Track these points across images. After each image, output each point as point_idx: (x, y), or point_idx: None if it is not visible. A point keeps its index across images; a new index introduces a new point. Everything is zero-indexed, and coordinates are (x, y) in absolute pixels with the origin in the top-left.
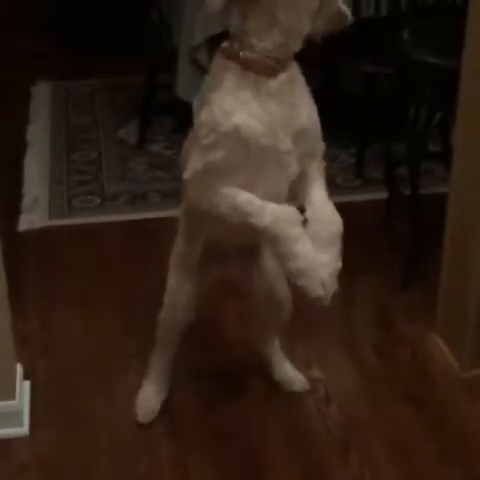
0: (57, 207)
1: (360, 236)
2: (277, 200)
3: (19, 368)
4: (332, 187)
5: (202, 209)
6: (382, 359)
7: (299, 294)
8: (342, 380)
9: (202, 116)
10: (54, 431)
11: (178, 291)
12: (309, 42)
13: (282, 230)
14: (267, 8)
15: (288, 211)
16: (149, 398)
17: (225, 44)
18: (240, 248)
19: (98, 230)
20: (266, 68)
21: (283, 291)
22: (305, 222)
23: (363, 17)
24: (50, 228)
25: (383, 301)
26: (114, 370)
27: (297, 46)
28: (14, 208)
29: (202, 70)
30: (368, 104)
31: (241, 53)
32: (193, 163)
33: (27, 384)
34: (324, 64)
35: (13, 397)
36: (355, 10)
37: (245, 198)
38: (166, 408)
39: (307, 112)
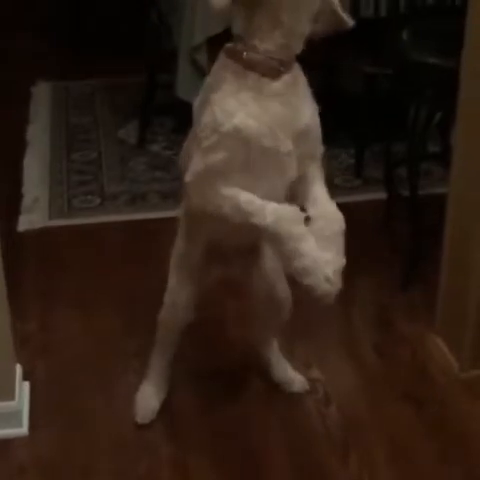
0: (57, 207)
1: (360, 236)
2: (276, 201)
3: (18, 369)
4: (331, 187)
5: (204, 211)
6: (382, 359)
7: (299, 294)
8: (342, 380)
9: (203, 118)
10: (53, 431)
11: (178, 291)
12: (309, 43)
13: (284, 229)
14: (271, 10)
15: (290, 210)
16: (148, 399)
17: (229, 45)
18: (240, 248)
19: (98, 230)
20: (270, 69)
21: (283, 291)
22: (307, 220)
23: (362, 17)
24: (50, 228)
25: (383, 301)
26: (114, 370)
27: (299, 47)
28: (14, 208)
29: (202, 70)
30: (368, 104)
31: (244, 53)
32: (195, 165)
33: (26, 385)
34: (324, 65)
35: (12, 398)
36: (354, 10)
37: (246, 198)
38: (166, 408)
39: (309, 113)
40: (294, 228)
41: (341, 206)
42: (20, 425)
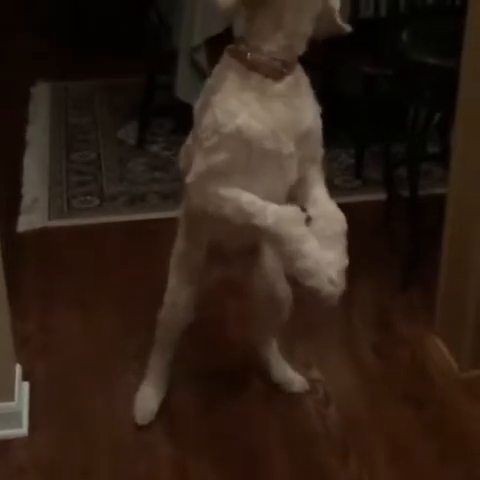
0: (56, 208)
1: (359, 237)
2: (276, 203)
3: (18, 369)
4: (331, 188)
5: (205, 211)
6: (381, 360)
7: (300, 295)
8: (341, 381)
9: (205, 119)
10: (53, 432)
11: (178, 291)
12: (309, 44)
13: (285, 230)
14: (273, 11)
15: (291, 210)
16: (147, 400)
17: (232, 46)
18: (240, 248)
19: (97, 231)
20: (273, 70)
21: (283, 291)
22: (308, 221)
23: (362, 18)
24: (49, 229)
25: (382, 302)
26: (114, 370)
27: (301, 49)
28: (13, 209)
29: (201, 71)
30: (367, 105)
31: (248, 54)
32: (196, 166)
33: (26, 385)
34: (324, 65)
35: (12, 398)
36: (354, 11)
37: (248, 199)
38: (166, 408)
39: (312, 115)
40: (295, 229)
41: (341, 207)
42: (20, 426)
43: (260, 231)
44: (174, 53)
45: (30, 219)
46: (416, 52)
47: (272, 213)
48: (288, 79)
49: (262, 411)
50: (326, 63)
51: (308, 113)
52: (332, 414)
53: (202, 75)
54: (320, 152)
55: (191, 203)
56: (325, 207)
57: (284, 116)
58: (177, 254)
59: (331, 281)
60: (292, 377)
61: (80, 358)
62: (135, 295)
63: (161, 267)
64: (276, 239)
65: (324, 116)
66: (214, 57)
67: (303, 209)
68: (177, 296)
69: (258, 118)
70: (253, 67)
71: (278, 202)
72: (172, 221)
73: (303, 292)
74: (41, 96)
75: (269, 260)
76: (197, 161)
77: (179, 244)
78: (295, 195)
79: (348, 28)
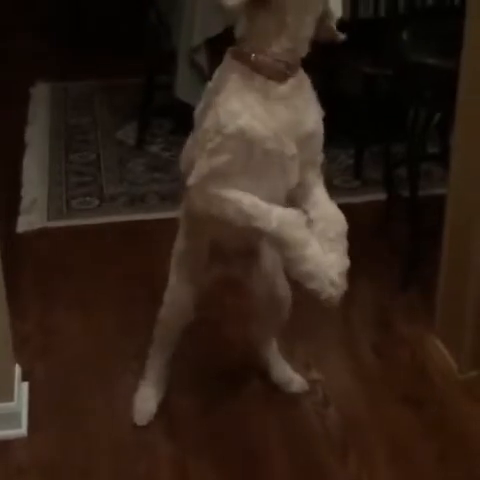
0: (56, 208)
1: (359, 237)
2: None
3: (17, 369)
4: (331, 188)
5: (207, 214)
6: (381, 360)
7: (300, 295)
8: (341, 381)
9: (207, 121)
10: (53, 432)
11: (178, 290)
12: (310, 45)
13: (289, 234)
14: (276, 12)
15: (295, 214)
16: (146, 401)
17: (235, 47)
18: (240, 248)
19: (97, 231)
20: (277, 72)
21: (283, 290)
22: (309, 222)
23: (362, 18)
24: (49, 229)
25: (382, 302)
26: (113, 371)
27: (304, 51)
28: (13, 209)
29: (201, 72)
30: (367, 105)
31: (252, 55)
32: (199, 168)
33: (25, 385)
34: (323, 66)
35: (11, 399)
36: (354, 11)
37: (250, 201)
38: (165, 408)
39: (315, 119)
40: (299, 233)
41: (340, 207)
42: (19, 426)
43: (262, 234)
44: (174, 53)
45: (29, 220)
46: (416, 52)
47: (276, 217)
48: (291, 81)
49: (262, 411)
50: (326, 63)
51: (311, 115)
52: (332, 414)
53: (202, 75)
54: (320, 157)
55: (193, 205)
56: (326, 209)
57: (287, 118)
58: (177, 253)
59: (332, 283)
60: (292, 377)
61: (80, 358)
62: (135, 295)
63: (161, 267)
64: (279, 242)
65: (324, 116)
66: (214, 57)
67: (303, 211)
68: (177, 295)
69: (261, 119)
70: (257, 69)
71: (278, 204)
72: (172, 221)
73: (304, 294)
74: (40, 97)
75: (269, 259)
76: (199, 163)
77: (179, 244)
78: (294, 198)
79: (342, 36)
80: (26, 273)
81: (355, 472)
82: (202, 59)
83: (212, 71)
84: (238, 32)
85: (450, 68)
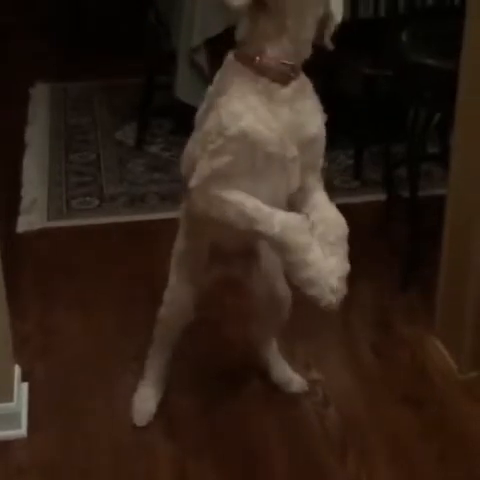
0: (55, 208)
1: (358, 238)
2: (277, 208)
3: (17, 370)
4: (330, 189)
5: (209, 216)
6: (381, 361)
7: (300, 296)
8: (341, 382)
9: (209, 122)
10: (53, 433)
11: (178, 289)
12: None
13: (292, 238)
14: (275, 15)
15: (297, 219)
16: (145, 401)
17: (238, 50)
18: (240, 248)
19: (96, 231)
20: (281, 75)
21: (283, 290)
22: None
23: (362, 18)
24: (48, 229)
25: (382, 303)
26: (113, 371)
27: (307, 53)
28: (12, 209)
29: (201, 72)
30: (367, 106)
31: (257, 58)
32: (200, 170)
33: (25, 386)
34: (323, 66)
35: (11, 399)
36: (353, 11)
37: (253, 204)
38: (165, 408)
39: (318, 122)
40: (301, 238)
41: (340, 207)
42: (19, 426)
43: (264, 237)
44: (174, 53)
45: (29, 220)
46: (416, 53)
47: (279, 221)
48: (294, 84)
49: (261, 411)
50: (326, 64)
51: (313, 118)
52: (331, 414)
53: (202, 76)
54: (321, 161)
55: (195, 208)
56: (326, 212)
57: (289, 120)
58: (177, 254)
59: (332, 290)
60: (291, 377)
61: (80, 358)
62: (135, 295)
63: (161, 267)
64: (281, 247)
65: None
66: (214, 58)
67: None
68: (177, 295)
69: (264, 122)
70: (261, 71)
71: (279, 207)
72: (171, 221)
73: (303, 297)
74: (40, 97)
75: (269, 260)
76: (201, 165)
77: (179, 243)
78: (294, 201)
79: (330, 46)
80: (26, 273)
81: (355, 472)
82: (202, 59)
83: (212, 71)
84: (239, 35)
85: (450, 68)
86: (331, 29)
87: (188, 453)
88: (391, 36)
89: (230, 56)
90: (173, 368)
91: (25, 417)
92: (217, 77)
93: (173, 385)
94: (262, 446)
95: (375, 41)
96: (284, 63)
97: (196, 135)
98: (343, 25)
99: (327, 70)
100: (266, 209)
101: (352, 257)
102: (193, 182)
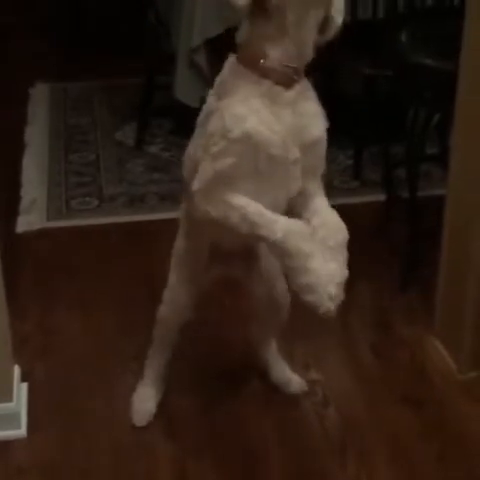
0: (55, 208)
1: (358, 239)
2: (277, 212)
3: (17, 370)
4: (329, 189)
5: (211, 219)
6: (380, 361)
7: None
8: (340, 382)
9: (212, 124)
10: (52, 433)
11: (178, 289)
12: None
13: (294, 244)
14: (276, 18)
15: (300, 225)
16: (145, 401)
17: (242, 52)
18: (240, 249)
19: (96, 232)
20: (286, 78)
21: (282, 291)
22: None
23: (361, 19)
24: (48, 229)
25: (381, 303)
26: (113, 371)
27: (309, 56)
28: (12, 209)
29: (200, 72)
30: (367, 106)
31: (261, 61)
32: (203, 172)
33: (25, 386)
34: (323, 67)
35: (10, 399)
36: (353, 12)
37: (256, 209)
38: (165, 408)
39: (320, 125)
40: (304, 244)
41: (338, 208)
42: (18, 427)
43: (265, 242)
44: (173, 54)
45: (29, 220)
46: (415, 53)
47: (281, 227)
48: (297, 87)
49: (261, 411)
50: (326, 64)
51: (316, 121)
52: (331, 415)
53: (201, 76)
54: (322, 166)
55: (197, 211)
56: (328, 217)
57: (292, 123)
58: (177, 253)
59: (330, 298)
60: (291, 378)
61: (80, 358)
62: (134, 296)
63: (161, 268)
64: (283, 252)
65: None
66: (213, 58)
67: (305, 220)
68: (176, 294)
69: (267, 124)
70: (265, 74)
71: (279, 211)
72: (171, 222)
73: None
74: (40, 97)
75: (269, 261)
76: (204, 167)
77: (179, 243)
78: (294, 206)
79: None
80: (25, 273)
81: (354, 472)
82: (201, 60)
83: (211, 72)
84: (240, 38)
85: (449, 69)
86: (332, 32)
87: (188, 453)
88: (390, 37)
89: (232, 59)
90: (173, 368)
91: (25, 417)
92: (218, 80)
93: (173, 385)
94: (262, 446)
95: (374, 42)
96: (287, 66)
97: (197, 137)
98: (343, 26)
99: (327, 70)
100: (268, 214)
101: (351, 257)
102: (196, 185)
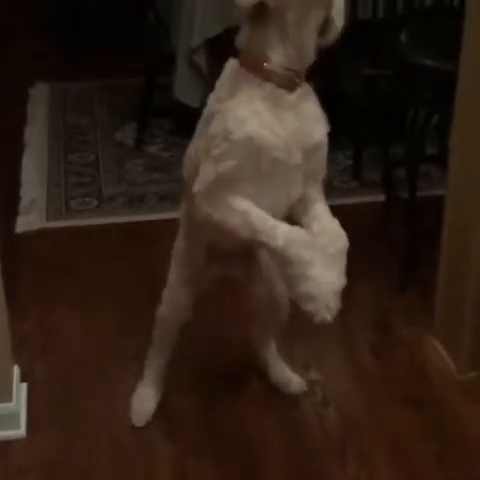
0: (54, 209)
1: (357, 239)
2: (277, 216)
3: (16, 370)
4: (329, 189)
5: (212, 222)
6: (380, 361)
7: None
8: (340, 382)
9: (214, 127)
10: (52, 433)
11: (177, 289)
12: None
13: (294, 252)
14: (276, 21)
15: (301, 233)
16: (144, 401)
17: (244, 56)
18: (240, 250)
19: (96, 232)
20: (288, 81)
21: (282, 291)
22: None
23: (360, 19)
24: (47, 230)
25: (381, 304)
26: (113, 371)
27: (311, 58)
28: (12, 210)
29: (200, 72)
30: (367, 106)
31: (265, 64)
32: (204, 175)
33: (24, 386)
34: (323, 67)
35: (10, 399)
36: (352, 13)
37: (258, 215)
38: (165, 409)
39: (322, 129)
40: (305, 252)
41: (338, 208)
42: (18, 427)
43: (266, 248)
44: (173, 54)
45: (28, 220)
46: (415, 54)
47: (282, 234)
48: (298, 90)
49: (261, 411)
50: (326, 64)
51: (317, 125)
52: (331, 415)
53: (201, 76)
54: (323, 171)
55: (198, 214)
56: (328, 224)
57: (294, 127)
58: (177, 253)
59: (328, 307)
60: (290, 378)
61: (79, 359)
62: (134, 296)
63: (160, 268)
64: (283, 260)
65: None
66: (213, 58)
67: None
68: (176, 294)
69: (269, 127)
70: (267, 77)
71: (279, 216)
72: (171, 222)
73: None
74: (39, 97)
75: (268, 261)
76: (205, 170)
77: (179, 243)
78: (294, 212)
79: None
80: (25, 273)
81: (354, 472)
82: (201, 60)
83: (211, 72)
84: (240, 42)
85: (449, 69)
86: (332, 35)
87: (188, 453)
88: (390, 37)
89: (233, 62)
90: (173, 368)
91: (24, 417)
92: (219, 83)
93: (173, 385)
94: (262, 446)
95: (374, 42)
96: (289, 69)
97: (198, 138)
98: (343, 28)
99: (327, 70)
100: (270, 221)
101: (351, 258)
102: (197, 187)
